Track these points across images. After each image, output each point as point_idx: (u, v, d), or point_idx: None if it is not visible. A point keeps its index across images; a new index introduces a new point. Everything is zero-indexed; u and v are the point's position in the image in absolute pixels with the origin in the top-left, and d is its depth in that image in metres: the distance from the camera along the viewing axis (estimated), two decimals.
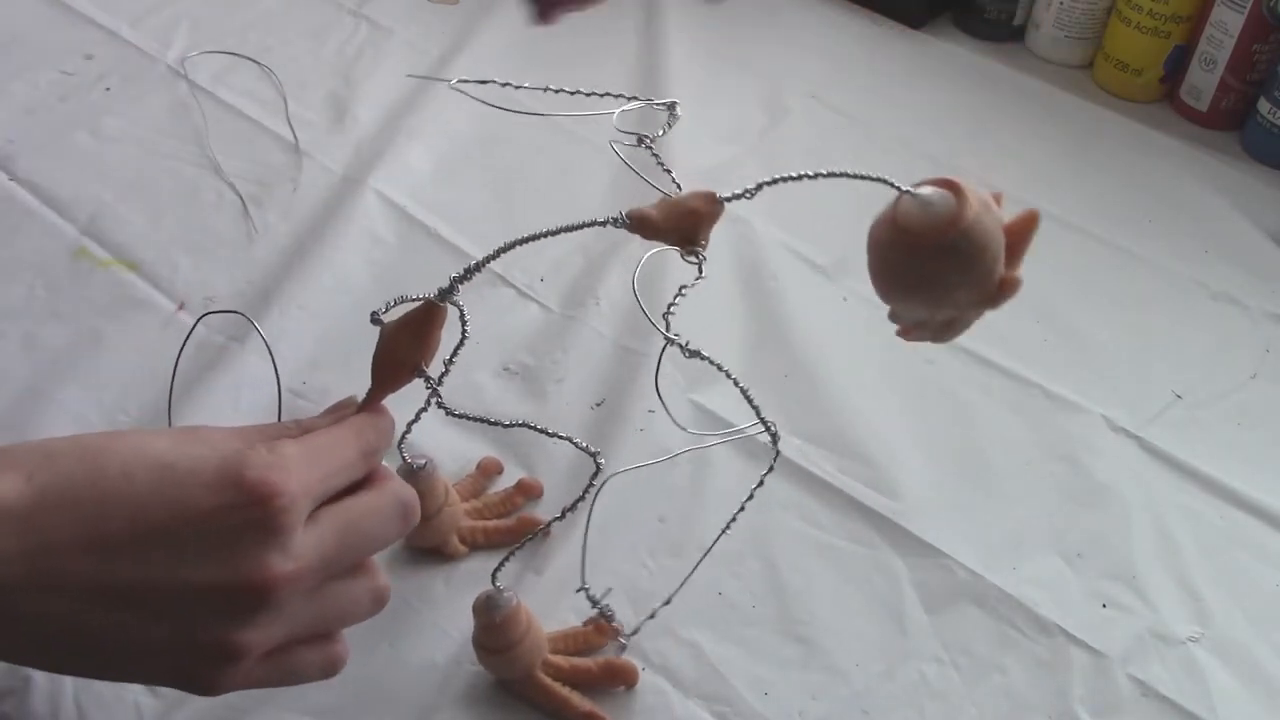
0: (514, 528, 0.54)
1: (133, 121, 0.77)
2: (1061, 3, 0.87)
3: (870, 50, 0.91)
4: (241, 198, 0.72)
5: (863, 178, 0.36)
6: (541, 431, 0.42)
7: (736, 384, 0.41)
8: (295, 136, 0.76)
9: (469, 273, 0.39)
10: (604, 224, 0.38)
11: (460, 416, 0.42)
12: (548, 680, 0.48)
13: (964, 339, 0.65)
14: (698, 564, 0.50)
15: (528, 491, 0.56)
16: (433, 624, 0.51)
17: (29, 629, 0.32)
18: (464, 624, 0.51)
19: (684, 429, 0.41)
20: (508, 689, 0.48)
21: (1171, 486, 0.59)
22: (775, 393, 0.62)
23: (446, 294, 0.39)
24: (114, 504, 0.32)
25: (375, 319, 0.40)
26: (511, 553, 0.44)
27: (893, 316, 0.41)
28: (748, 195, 0.37)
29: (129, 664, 0.34)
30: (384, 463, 0.40)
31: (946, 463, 0.59)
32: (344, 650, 0.39)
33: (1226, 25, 0.80)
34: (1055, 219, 0.75)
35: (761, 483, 0.47)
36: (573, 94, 0.45)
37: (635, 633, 0.49)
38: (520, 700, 0.48)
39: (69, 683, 0.48)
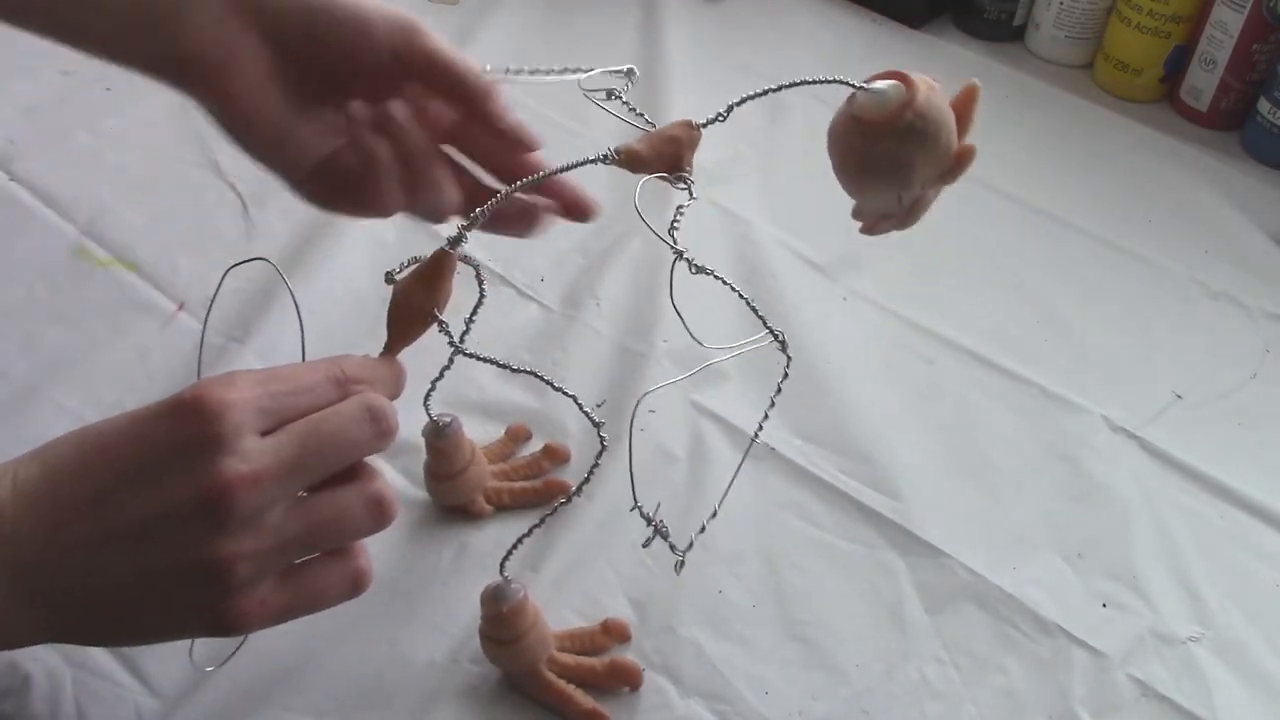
0: (540, 490, 0.55)
1: (133, 121, 0.77)
2: (1061, 3, 0.87)
3: (870, 50, 0.91)
4: (241, 198, 0.72)
5: (821, 82, 0.40)
6: (548, 383, 0.43)
7: (740, 295, 0.43)
8: None
9: (476, 219, 0.41)
10: (595, 161, 0.41)
11: (480, 359, 0.43)
12: (552, 676, 0.48)
13: (964, 339, 0.66)
14: (736, 473, 0.49)
15: (554, 456, 0.57)
16: (432, 623, 0.51)
17: (54, 603, 0.34)
18: (463, 623, 0.51)
19: (701, 343, 0.42)
20: (512, 684, 0.49)
21: (1171, 486, 0.59)
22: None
23: (456, 242, 0.41)
24: (95, 458, 0.35)
25: (390, 278, 0.41)
26: (520, 541, 0.44)
27: (856, 213, 0.44)
28: (720, 119, 0.42)
29: (146, 616, 0.36)
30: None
31: (947, 463, 0.59)
32: (366, 565, 0.39)
33: (1226, 25, 0.80)
34: (1055, 219, 0.76)
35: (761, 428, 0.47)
36: (532, 73, 0.46)
37: (689, 548, 0.48)
38: (522, 696, 0.48)
39: (69, 683, 0.48)
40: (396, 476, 0.56)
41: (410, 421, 0.46)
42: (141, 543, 0.34)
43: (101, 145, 0.75)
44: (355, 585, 0.38)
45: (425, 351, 0.42)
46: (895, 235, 0.72)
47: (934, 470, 0.59)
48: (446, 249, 0.41)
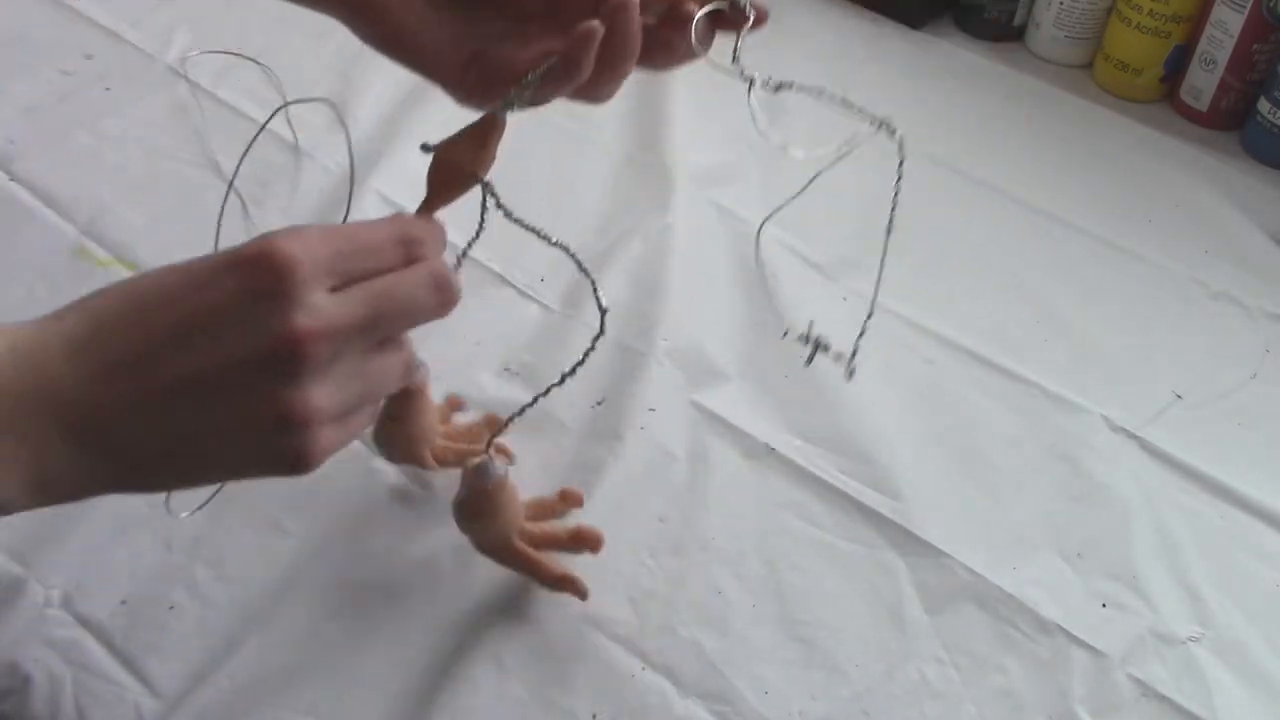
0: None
1: (133, 121, 0.77)
2: (1061, 3, 0.87)
3: (870, 50, 0.91)
4: (241, 198, 0.72)
5: None
6: (577, 263, 0.43)
7: (833, 96, 0.43)
8: (295, 136, 0.76)
9: (528, 84, 0.40)
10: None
11: (515, 220, 0.42)
12: (524, 547, 0.50)
13: (964, 339, 0.66)
14: None
15: (494, 426, 0.57)
16: (431, 623, 0.51)
17: (113, 455, 0.34)
18: (462, 623, 0.51)
19: (800, 155, 0.42)
20: (485, 554, 0.50)
21: (1171, 486, 0.59)
22: (775, 393, 0.62)
23: (507, 106, 0.40)
24: (152, 310, 0.34)
25: (426, 147, 0.41)
26: (511, 419, 0.46)
27: None
28: None
29: (216, 458, 0.35)
30: None
31: (947, 463, 0.59)
32: (413, 353, 0.39)
33: (1226, 25, 0.80)
34: (1055, 219, 0.76)
35: None
36: None
37: (854, 356, 0.48)
38: (520, 691, 0.48)
39: (69, 683, 0.48)
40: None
41: None
42: (205, 395, 0.34)
43: (101, 145, 0.75)
44: (408, 370, 0.39)
45: None
46: (895, 235, 0.72)
47: (934, 470, 0.59)
48: (498, 112, 0.40)
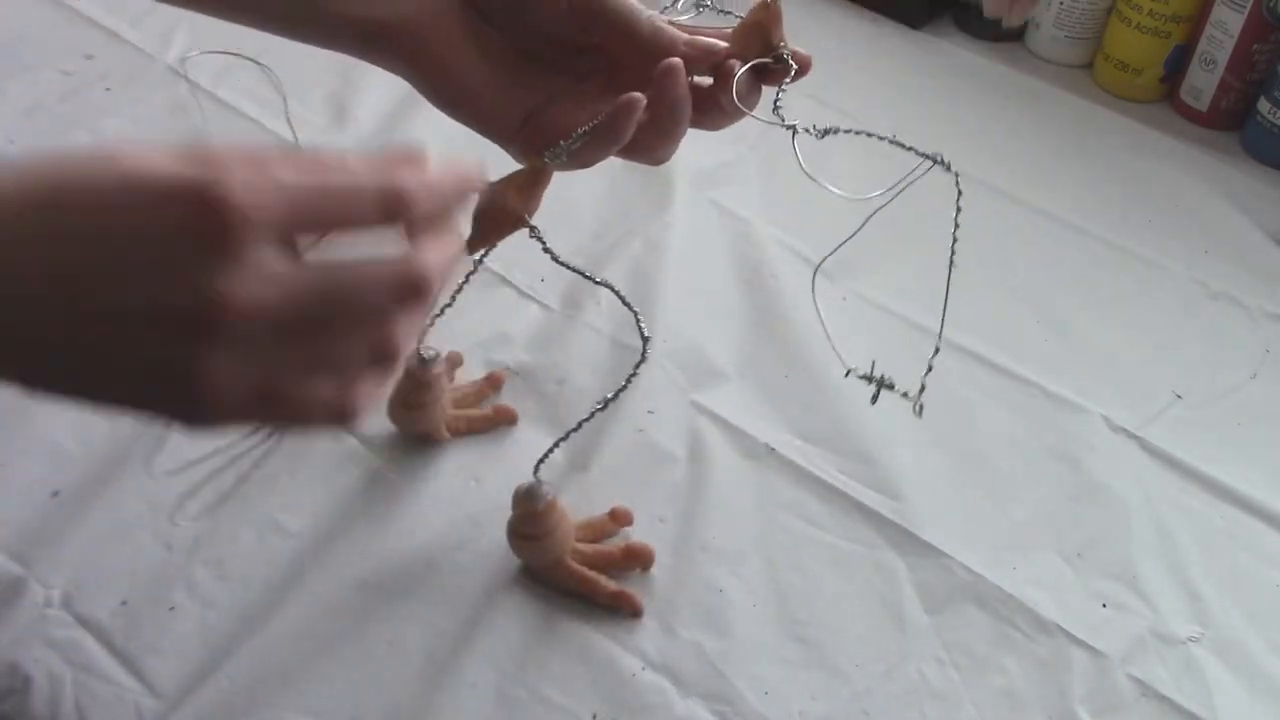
0: (490, 416, 0.59)
1: (133, 121, 0.77)
2: (1061, 3, 0.87)
3: (870, 50, 0.91)
4: None
5: None
6: (619, 297, 0.45)
7: (878, 136, 0.44)
8: (295, 136, 0.76)
9: (577, 139, 0.41)
10: (690, 77, 0.41)
11: (561, 263, 0.44)
12: (576, 566, 0.51)
13: (964, 339, 0.66)
14: None
15: (495, 382, 0.61)
16: (430, 623, 0.51)
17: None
18: (461, 622, 0.51)
19: (836, 192, 0.42)
20: (536, 576, 0.52)
21: (1171, 486, 0.59)
22: (775, 393, 0.62)
23: (555, 158, 0.42)
24: (75, 216, 0.31)
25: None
26: (556, 444, 0.48)
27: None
28: None
29: (103, 387, 0.32)
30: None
31: (947, 462, 0.59)
32: (357, 402, 0.34)
33: (1226, 25, 0.80)
34: (1055, 219, 0.75)
35: None
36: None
37: (922, 391, 0.47)
38: (521, 694, 0.48)
39: (69, 683, 0.48)
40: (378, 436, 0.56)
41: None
42: (108, 331, 0.31)
43: (101, 145, 0.75)
44: (338, 417, 0.34)
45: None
46: (894, 236, 0.72)
47: (934, 470, 0.59)
48: (546, 162, 0.42)
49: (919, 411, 0.46)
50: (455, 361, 0.62)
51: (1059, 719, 0.49)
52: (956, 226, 0.44)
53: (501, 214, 0.42)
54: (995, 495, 0.58)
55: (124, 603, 0.51)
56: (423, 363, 0.54)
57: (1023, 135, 0.83)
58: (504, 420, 0.59)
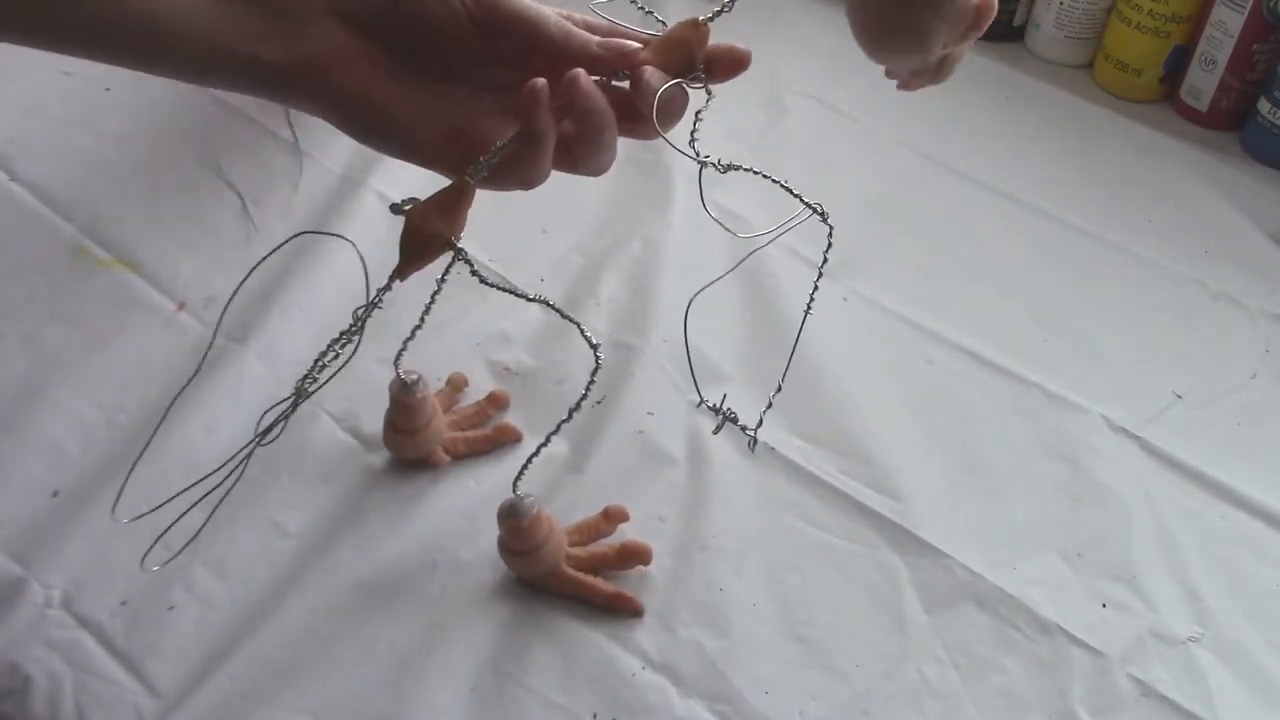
0: (491, 436, 0.58)
1: (133, 121, 0.77)
2: (1061, 3, 0.87)
3: None
4: (241, 198, 0.72)
5: None
6: (558, 311, 0.43)
7: (774, 180, 0.43)
8: (295, 136, 0.76)
9: (497, 152, 0.40)
10: (608, 80, 0.40)
11: (489, 284, 0.43)
12: (572, 571, 0.51)
13: (964, 339, 0.66)
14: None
15: (498, 402, 0.60)
16: (429, 623, 0.51)
17: None
18: (459, 621, 0.51)
19: (734, 233, 0.42)
20: (533, 585, 0.51)
21: (1171, 486, 0.59)
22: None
23: (476, 172, 0.40)
24: None
25: (397, 209, 0.41)
26: (529, 460, 0.47)
27: (888, 74, 0.43)
28: (727, 9, 0.41)
29: None
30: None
31: (946, 463, 0.59)
32: None
33: (1226, 25, 0.80)
34: (1055, 219, 0.76)
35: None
36: None
37: (759, 427, 0.49)
38: (518, 693, 0.48)
39: (69, 683, 0.48)
40: (374, 433, 0.56)
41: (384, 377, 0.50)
42: None
43: (101, 145, 0.75)
44: None
45: (369, 340, 0.43)
46: (895, 235, 0.72)
47: (934, 470, 0.59)
48: (468, 179, 0.41)
49: (752, 446, 0.48)
50: (457, 384, 0.61)
51: (1059, 719, 0.49)
52: (811, 300, 0.45)
53: (427, 238, 0.40)
54: (995, 495, 0.58)
55: (124, 603, 0.51)
56: (405, 388, 0.53)
57: (1022, 135, 0.83)
58: (507, 439, 0.58)
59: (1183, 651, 0.52)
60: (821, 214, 0.43)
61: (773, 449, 0.59)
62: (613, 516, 0.54)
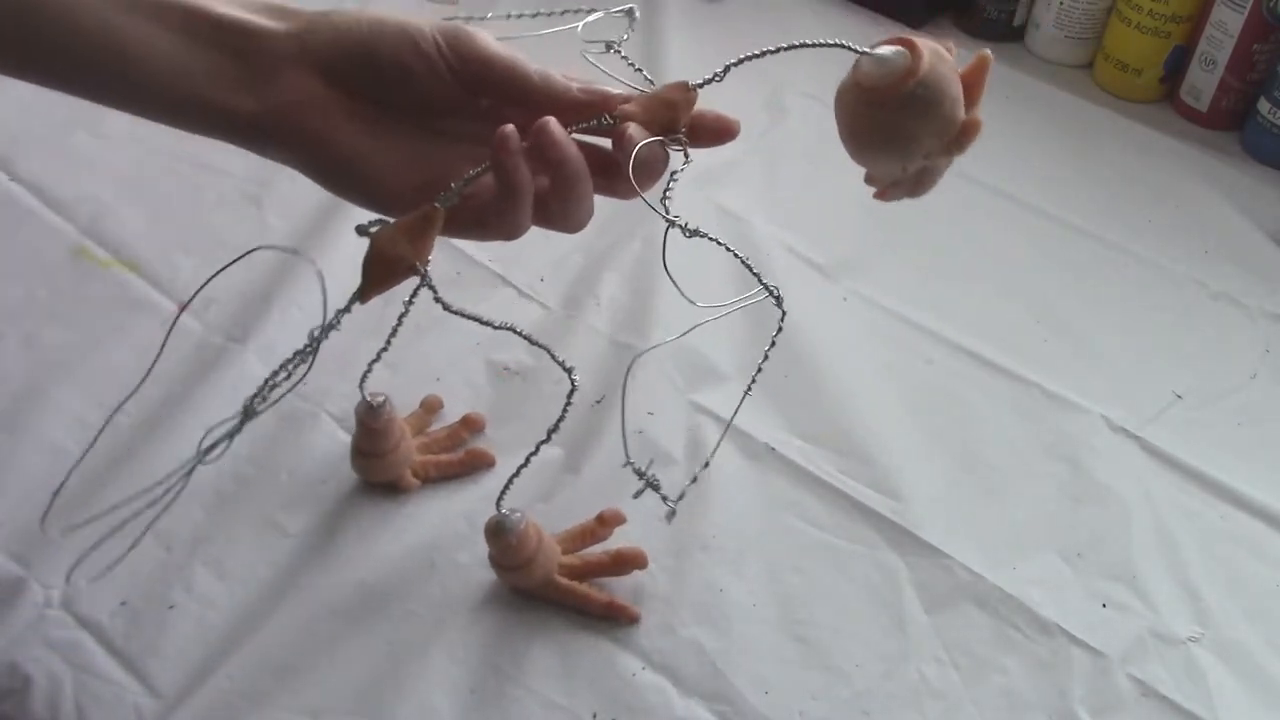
0: (463, 461, 0.57)
1: (133, 121, 0.76)
2: (1061, 3, 0.87)
3: None
4: (241, 198, 0.72)
5: (821, 45, 0.39)
6: (526, 339, 0.42)
7: (735, 254, 0.43)
8: None
9: (469, 180, 0.40)
10: (590, 127, 0.40)
11: (454, 311, 0.42)
12: (566, 581, 0.51)
13: (964, 339, 0.66)
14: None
15: (472, 425, 0.59)
16: (428, 622, 0.51)
17: None
18: (458, 621, 0.51)
19: (694, 302, 0.42)
20: (527, 596, 0.51)
21: (1171, 486, 0.59)
22: (775, 393, 0.62)
23: (447, 200, 0.40)
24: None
25: (363, 230, 0.40)
26: (512, 479, 0.46)
27: (868, 180, 0.43)
28: (717, 79, 0.41)
29: None
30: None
31: (946, 463, 0.59)
32: None
33: (1226, 25, 0.80)
34: (1055, 219, 0.76)
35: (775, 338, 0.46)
36: (534, 15, 0.47)
37: (680, 499, 0.47)
38: (518, 689, 0.48)
39: (69, 683, 0.48)
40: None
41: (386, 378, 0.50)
42: None
43: (101, 145, 0.75)
44: None
45: (370, 334, 0.42)
46: (894, 235, 0.72)
47: (934, 470, 0.59)
48: (437, 205, 0.40)
49: (669, 517, 0.46)
50: (431, 406, 0.60)
51: (1059, 719, 0.49)
52: (770, 349, 0.45)
53: (392, 261, 0.40)
54: (995, 495, 0.58)
55: (124, 603, 0.51)
56: (371, 410, 0.52)
57: (1022, 135, 0.83)
58: (479, 465, 0.57)
59: (1183, 651, 0.52)
60: (777, 298, 0.44)
61: (773, 449, 0.59)
62: (608, 521, 0.54)
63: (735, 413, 0.48)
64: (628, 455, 0.44)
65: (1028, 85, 0.88)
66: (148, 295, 0.65)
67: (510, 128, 0.39)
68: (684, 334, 0.46)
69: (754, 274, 0.42)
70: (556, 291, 0.67)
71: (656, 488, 0.46)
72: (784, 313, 0.44)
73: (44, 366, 0.60)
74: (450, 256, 0.68)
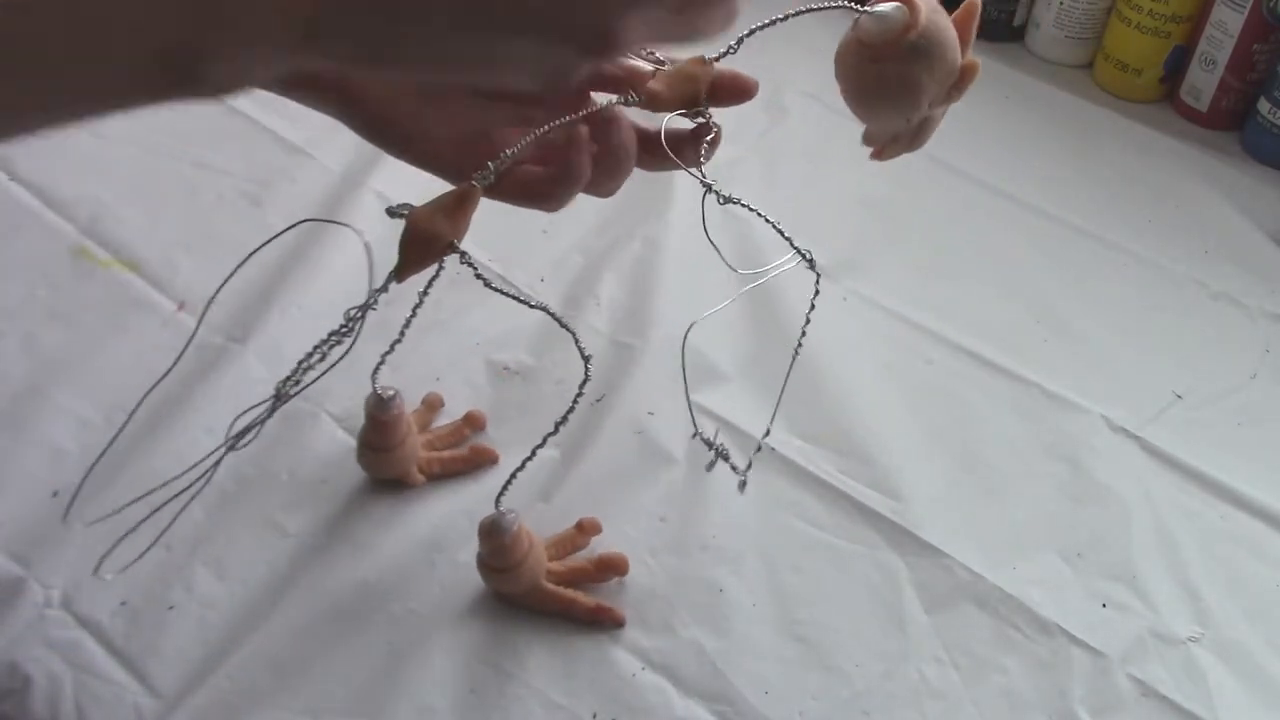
0: (467, 457, 0.57)
1: (133, 121, 0.76)
2: (1061, 3, 0.87)
3: None
4: (241, 197, 0.72)
5: (827, 8, 0.41)
6: (557, 319, 0.43)
7: (768, 220, 0.45)
8: (295, 136, 0.76)
9: (504, 160, 0.40)
10: (619, 103, 0.42)
11: (494, 289, 0.43)
12: (553, 587, 0.51)
13: (964, 339, 0.66)
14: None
15: (474, 423, 0.59)
16: (428, 623, 0.51)
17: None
18: (458, 621, 0.51)
19: (734, 269, 0.44)
20: (511, 602, 0.51)
21: (1171, 486, 0.59)
22: (775, 393, 0.62)
23: (483, 179, 0.40)
24: None
25: (394, 212, 0.41)
26: (513, 476, 0.46)
27: (866, 139, 0.44)
28: (732, 51, 0.43)
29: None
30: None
31: (946, 463, 0.59)
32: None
33: (1226, 25, 0.80)
34: (1055, 219, 0.76)
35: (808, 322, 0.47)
36: None
37: (749, 468, 0.49)
38: (521, 690, 0.48)
39: (69, 683, 0.48)
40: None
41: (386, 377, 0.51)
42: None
43: (101, 145, 0.75)
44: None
45: (370, 335, 0.43)
46: (894, 235, 0.72)
47: (934, 470, 0.59)
48: (475, 184, 0.41)
49: (742, 488, 0.48)
50: (432, 404, 0.60)
51: (1059, 719, 0.49)
52: (808, 322, 0.47)
53: (429, 238, 0.40)
54: (995, 495, 0.58)
55: (124, 603, 0.51)
56: (381, 404, 0.52)
57: (1022, 135, 0.83)
58: (483, 461, 0.57)
59: (1183, 651, 0.52)
60: (810, 262, 0.45)
61: (773, 449, 0.59)
62: (586, 529, 0.54)
63: (773, 415, 0.48)
64: (695, 426, 0.45)
65: (1028, 85, 0.88)
66: (148, 295, 0.65)
67: (584, 131, 0.41)
68: (729, 302, 0.48)
69: (786, 238, 0.44)
70: (556, 291, 0.67)
71: (726, 457, 0.47)
72: (819, 275, 0.45)
73: (44, 366, 0.60)
74: (450, 256, 0.68)
